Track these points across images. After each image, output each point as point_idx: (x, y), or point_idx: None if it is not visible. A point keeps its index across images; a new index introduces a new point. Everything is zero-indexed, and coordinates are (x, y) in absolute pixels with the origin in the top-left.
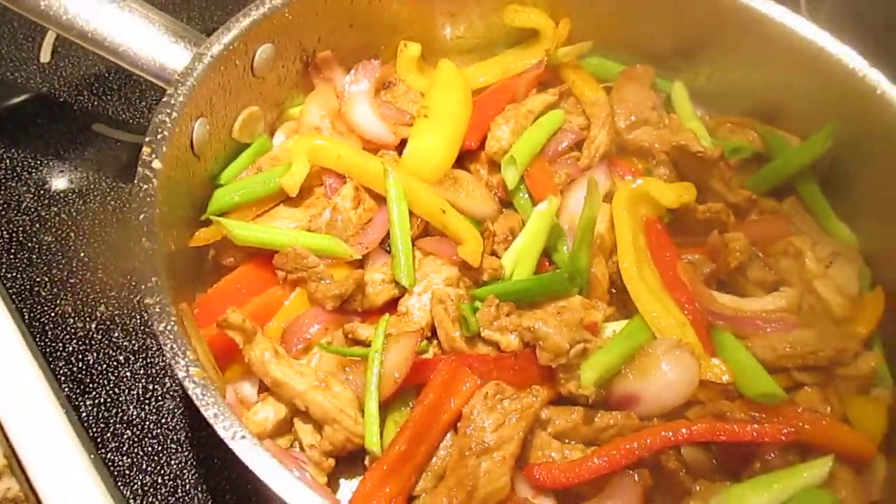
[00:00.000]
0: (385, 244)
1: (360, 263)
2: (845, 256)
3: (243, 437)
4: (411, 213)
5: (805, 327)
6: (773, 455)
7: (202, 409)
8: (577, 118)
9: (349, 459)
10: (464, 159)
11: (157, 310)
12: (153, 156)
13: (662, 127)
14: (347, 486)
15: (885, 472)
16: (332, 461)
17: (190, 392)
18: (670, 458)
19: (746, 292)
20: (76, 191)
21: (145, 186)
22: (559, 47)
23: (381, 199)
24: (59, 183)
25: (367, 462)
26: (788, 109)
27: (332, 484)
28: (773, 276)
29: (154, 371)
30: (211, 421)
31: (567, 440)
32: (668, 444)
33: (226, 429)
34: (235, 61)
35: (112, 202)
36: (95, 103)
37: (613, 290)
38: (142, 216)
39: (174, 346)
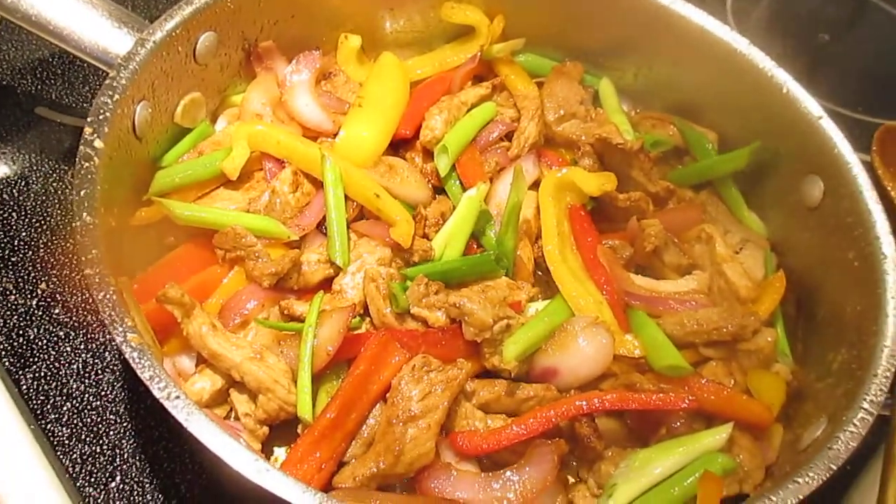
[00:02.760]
0: (322, 227)
1: (298, 245)
2: (754, 243)
3: (178, 397)
4: (347, 197)
5: (712, 306)
6: (679, 423)
7: (138, 372)
8: (509, 110)
9: (283, 428)
10: (400, 147)
11: (97, 280)
12: (95, 135)
13: (589, 120)
14: (281, 454)
15: (781, 438)
16: (265, 429)
17: (127, 356)
18: (583, 424)
19: (663, 275)
20: (19, 173)
21: (87, 164)
22: (494, 43)
23: (318, 184)
24: (1, 166)
25: (299, 430)
26: (705, 106)
27: (266, 451)
28: (687, 261)
29: (94, 346)
30: (147, 383)
31: (490, 411)
32: (581, 412)
33: (161, 389)
34: (178, 48)
35: (54, 184)
36: (39, 87)
37: (538, 272)
38: (83, 192)
39: (112, 313)
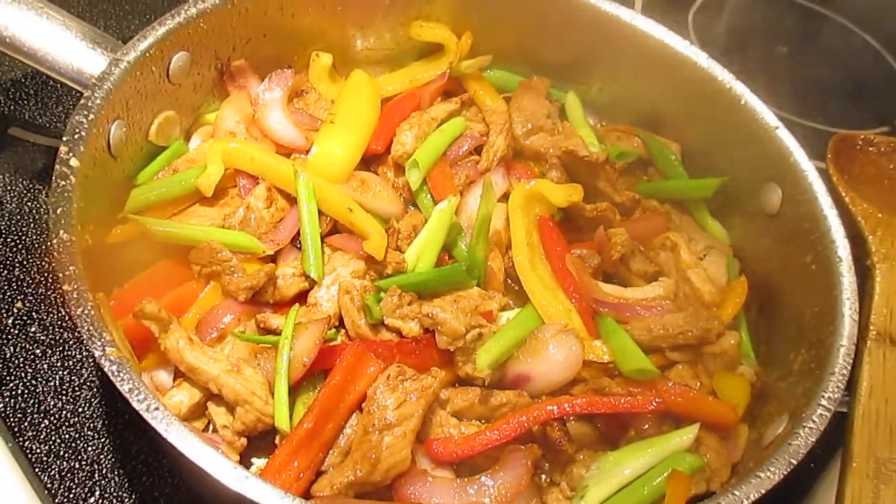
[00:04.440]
0: (296, 242)
1: (273, 259)
2: (717, 250)
3: (157, 408)
4: (321, 212)
5: (678, 311)
6: (647, 425)
7: (118, 385)
8: (478, 125)
9: (261, 440)
10: (372, 162)
11: (75, 295)
12: (70, 154)
13: (556, 134)
14: (259, 465)
15: (746, 437)
16: (243, 441)
17: (106, 369)
18: (554, 429)
19: (630, 282)
20: None
21: (63, 182)
22: (462, 60)
23: (292, 200)
24: None
25: (277, 441)
26: (668, 118)
27: (245, 462)
28: (653, 268)
29: (71, 363)
30: (126, 395)
31: (464, 418)
32: (552, 417)
33: (140, 402)
34: (151, 67)
35: (29, 203)
36: (12, 107)
37: (509, 282)
38: (59, 210)
39: (91, 328)
